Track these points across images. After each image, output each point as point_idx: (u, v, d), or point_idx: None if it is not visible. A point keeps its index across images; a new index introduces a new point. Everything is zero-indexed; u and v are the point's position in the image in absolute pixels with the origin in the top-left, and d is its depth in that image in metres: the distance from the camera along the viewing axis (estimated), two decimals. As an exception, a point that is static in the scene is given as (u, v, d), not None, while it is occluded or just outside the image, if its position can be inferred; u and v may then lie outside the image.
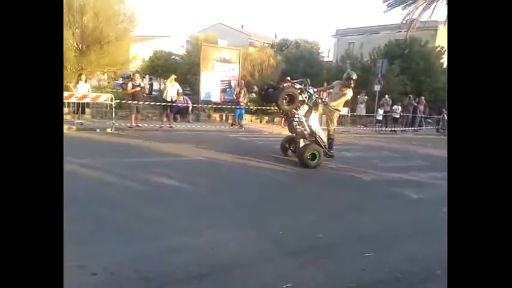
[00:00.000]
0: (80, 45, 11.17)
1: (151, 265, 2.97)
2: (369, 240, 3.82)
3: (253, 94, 15.53)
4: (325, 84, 15.37)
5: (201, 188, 5.39)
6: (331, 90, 8.55)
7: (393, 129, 16.42)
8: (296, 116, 7.48)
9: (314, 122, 7.55)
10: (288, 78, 15.09)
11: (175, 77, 12.68)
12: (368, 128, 16.42)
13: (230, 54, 14.85)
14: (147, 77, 16.85)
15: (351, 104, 15.28)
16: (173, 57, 19.60)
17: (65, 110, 11.11)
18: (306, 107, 7.55)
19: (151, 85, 18.14)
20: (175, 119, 12.72)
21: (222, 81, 14.46)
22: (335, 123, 8.06)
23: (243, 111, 13.31)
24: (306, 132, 7.53)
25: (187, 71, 16.69)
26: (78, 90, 10.73)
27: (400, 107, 16.64)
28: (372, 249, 3.55)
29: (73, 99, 10.31)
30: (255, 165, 7.15)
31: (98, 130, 10.32)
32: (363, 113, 16.61)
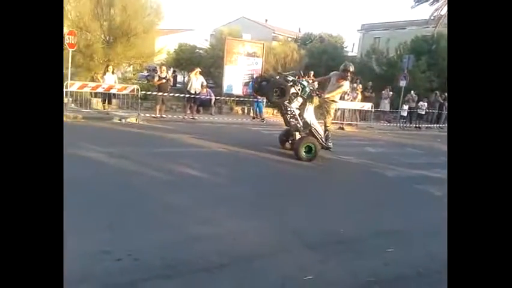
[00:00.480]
0: (108, 37, 11.44)
1: (173, 253, 3.05)
2: (391, 236, 3.79)
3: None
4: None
5: (222, 178, 5.46)
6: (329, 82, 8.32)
7: (417, 125, 16.07)
8: (289, 109, 7.35)
9: (309, 115, 7.40)
10: (311, 72, 15.11)
11: (200, 70, 12.83)
12: (391, 124, 16.11)
13: (254, 48, 14.87)
14: (171, 69, 17.09)
15: (375, 99, 15.03)
16: (197, 50, 19.77)
17: (93, 100, 11.45)
18: (300, 100, 7.39)
19: (175, 77, 18.36)
20: (198, 111, 12.90)
21: (245, 74, 14.52)
22: (332, 115, 7.92)
23: (261, 104, 13.31)
24: (299, 125, 7.40)
25: (210, 64, 16.81)
26: (105, 81, 11.03)
27: (426, 104, 16.24)
28: (394, 245, 3.52)
29: (100, 90, 10.61)
30: (275, 159, 7.17)
31: (124, 120, 10.58)
32: (388, 108, 16.30)
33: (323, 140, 7.57)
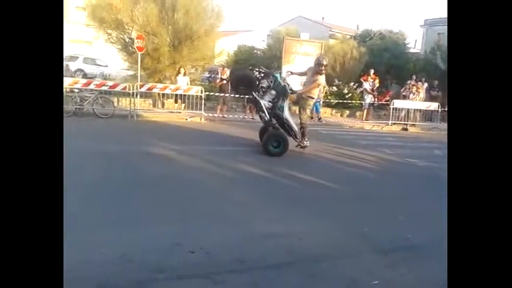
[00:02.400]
0: (173, 40, 12.03)
1: (242, 248, 3.16)
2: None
3: (334, 87, 15.24)
4: (413, 77, 14.51)
5: (285, 178, 5.51)
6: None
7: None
8: (259, 102, 7.03)
9: (283, 109, 7.02)
10: (372, 70, 14.67)
11: (258, 70, 13.02)
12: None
13: (312, 47, 14.76)
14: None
15: (441, 99, 14.18)
16: (255, 51, 20.03)
17: (166, 101, 12.16)
18: (273, 92, 7.04)
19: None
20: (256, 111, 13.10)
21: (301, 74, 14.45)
22: (308, 111, 7.55)
23: (318, 104, 13.16)
24: (266, 118, 7.03)
25: (268, 64, 16.97)
26: (177, 83, 11.71)
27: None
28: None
29: (167, 91, 11.23)
30: (337, 160, 7.08)
31: (189, 119, 11.11)
32: (455, 108, 15.29)
33: (298, 137, 7.25)
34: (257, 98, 7.05)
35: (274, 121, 7.12)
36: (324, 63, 7.13)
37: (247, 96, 9.27)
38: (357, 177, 6.07)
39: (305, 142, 7.33)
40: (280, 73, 7.34)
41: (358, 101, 14.66)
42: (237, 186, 5.05)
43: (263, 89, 7.08)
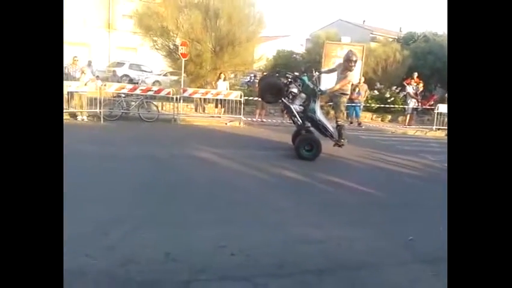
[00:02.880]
0: (215, 47, 12.36)
1: (280, 252, 3.20)
2: None
3: (375, 91, 14.91)
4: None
5: (324, 183, 5.49)
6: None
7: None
8: (290, 107, 6.97)
9: (315, 111, 6.92)
10: (415, 74, 14.19)
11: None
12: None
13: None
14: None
15: None
16: (294, 55, 20.04)
17: (209, 106, 12.55)
18: (303, 96, 6.94)
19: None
20: (295, 116, 13.11)
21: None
22: (342, 108, 7.32)
23: (358, 108, 12.89)
24: (298, 123, 6.98)
25: (306, 69, 16.93)
26: (218, 88, 12.02)
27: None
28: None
29: (208, 96, 11.54)
30: (377, 165, 6.94)
31: (228, 123, 11.35)
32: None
33: (334, 136, 7.12)
34: (287, 103, 7.10)
35: (308, 124, 7.16)
36: (354, 59, 7.09)
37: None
38: (399, 184, 5.93)
39: (342, 141, 7.28)
40: (308, 75, 7.28)
41: (401, 106, 14.24)
42: (276, 190, 5.10)
43: (292, 94, 7.11)
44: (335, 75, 7.51)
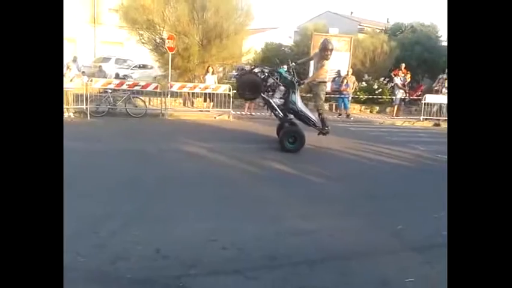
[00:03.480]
0: (203, 39, 12.21)
1: (271, 245, 3.20)
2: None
3: (363, 83, 14.98)
4: (446, 71, 14.01)
5: (314, 175, 5.50)
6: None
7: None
8: (269, 101, 7.00)
9: (295, 102, 6.95)
10: (403, 65, 14.28)
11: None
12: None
13: (340, 42, 14.54)
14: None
15: None
16: (282, 48, 19.96)
17: (198, 100, 12.40)
18: (282, 88, 6.97)
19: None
20: (284, 109, 13.09)
21: (331, 70, 14.25)
22: (322, 97, 7.37)
23: (346, 100, 12.94)
24: (280, 116, 7.03)
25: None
26: (206, 82, 11.88)
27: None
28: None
29: (197, 90, 11.43)
30: (367, 156, 6.98)
31: (217, 117, 11.26)
32: None
33: (318, 125, 7.18)
34: (267, 98, 7.10)
35: (290, 116, 7.17)
36: (330, 47, 7.10)
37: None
38: (389, 174, 5.98)
39: (326, 128, 7.33)
40: (284, 67, 7.29)
41: (388, 97, 14.34)
42: (266, 183, 5.10)
43: (271, 87, 7.11)
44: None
